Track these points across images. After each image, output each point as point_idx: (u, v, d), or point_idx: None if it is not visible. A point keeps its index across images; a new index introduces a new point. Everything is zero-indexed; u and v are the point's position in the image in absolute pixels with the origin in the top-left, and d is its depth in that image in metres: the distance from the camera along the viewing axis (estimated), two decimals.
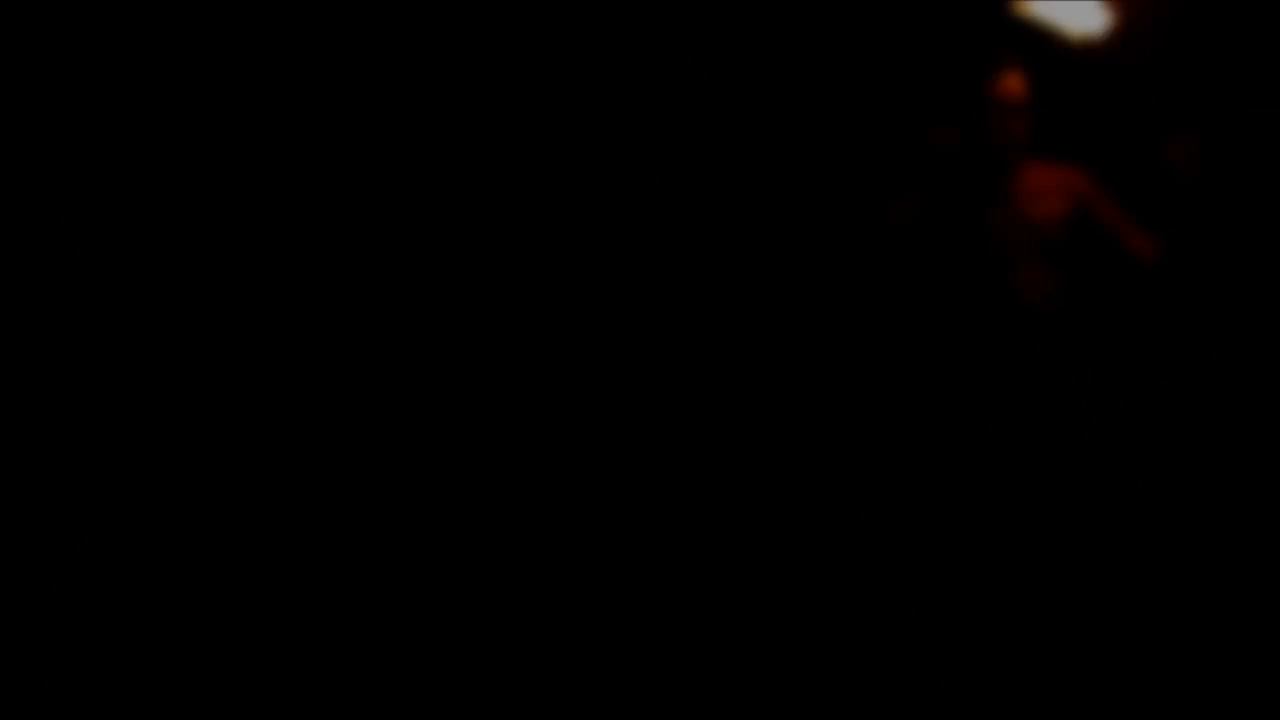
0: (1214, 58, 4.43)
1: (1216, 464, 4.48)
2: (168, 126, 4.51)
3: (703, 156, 4.69)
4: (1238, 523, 4.36)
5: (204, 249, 4.51)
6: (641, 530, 4.49)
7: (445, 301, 4.61)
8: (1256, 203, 4.48)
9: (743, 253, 4.69)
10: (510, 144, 4.66)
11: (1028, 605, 4.03)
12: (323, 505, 4.42)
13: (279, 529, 4.38)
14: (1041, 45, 4.38)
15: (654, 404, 4.63)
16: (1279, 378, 4.45)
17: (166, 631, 4.12)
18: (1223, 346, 4.53)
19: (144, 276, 4.48)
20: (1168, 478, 4.43)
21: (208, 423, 4.45)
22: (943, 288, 4.32)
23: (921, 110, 4.56)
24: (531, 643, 4.17)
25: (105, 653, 4.05)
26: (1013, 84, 4.22)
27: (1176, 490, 4.42)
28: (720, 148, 4.69)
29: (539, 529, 4.46)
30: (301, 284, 4.55)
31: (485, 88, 4.65)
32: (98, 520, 4.30)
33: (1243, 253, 4.44)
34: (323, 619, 4.21)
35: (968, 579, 4.12)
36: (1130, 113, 4.69)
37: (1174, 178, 4.35)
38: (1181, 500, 4.40)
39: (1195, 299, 4.38)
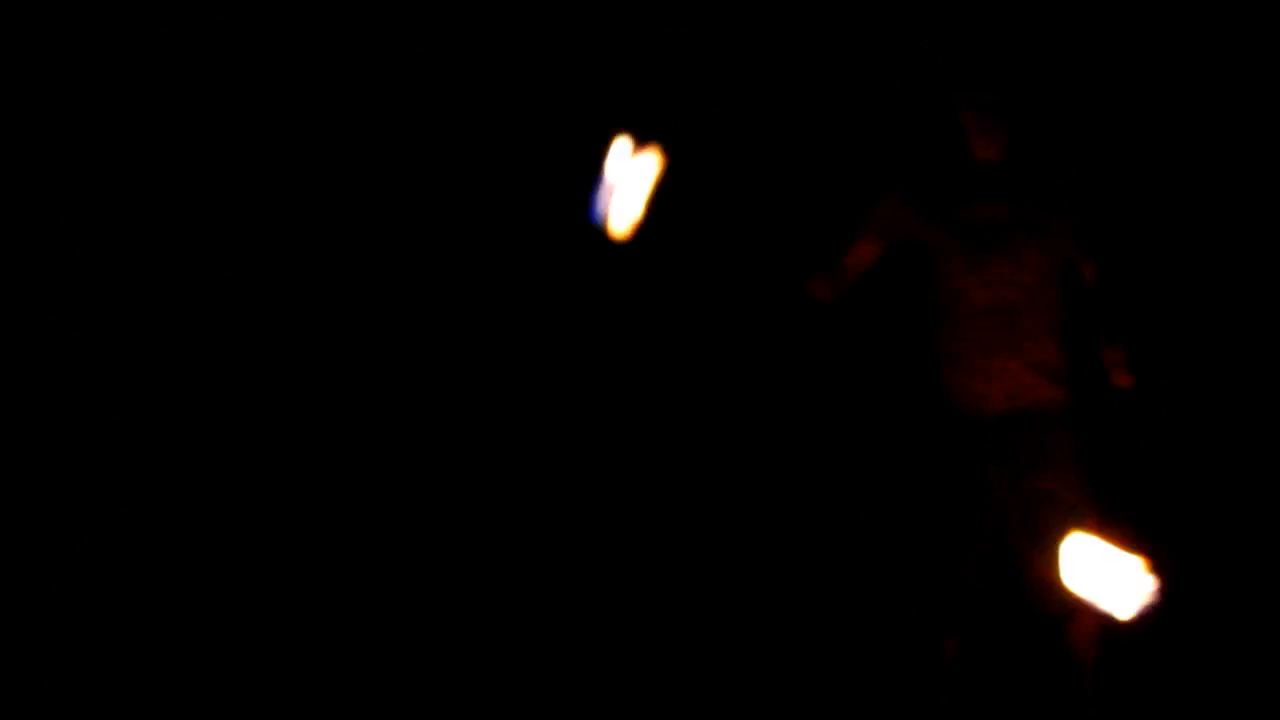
0: None
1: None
2: (168, 127, 4.51)
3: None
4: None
5: (204, 249, 4.51)
6: (637, 533, 4.51)
7: (444, 304, 4.62)
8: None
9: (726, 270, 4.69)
10: (506, 149, 4.67)
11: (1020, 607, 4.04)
12: (323, 506, 4.43)
13: (279, 529, 4.39)
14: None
15: (646, 408, 4.65)
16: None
17: (166, 631, 4.13)
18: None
19: (144, 276, 4.49)
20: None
21: (208, 423, 4.46)
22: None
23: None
24: (531, 643, 4.18)
25: (105, 653, 4.06)
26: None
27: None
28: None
29: (539, 530, 4.47)
30: (301, 285, 4.55)
31: (484, 90, 4.66)
32: (98, 520, 4.31)
33: None
34: (323, 619, 4.22)
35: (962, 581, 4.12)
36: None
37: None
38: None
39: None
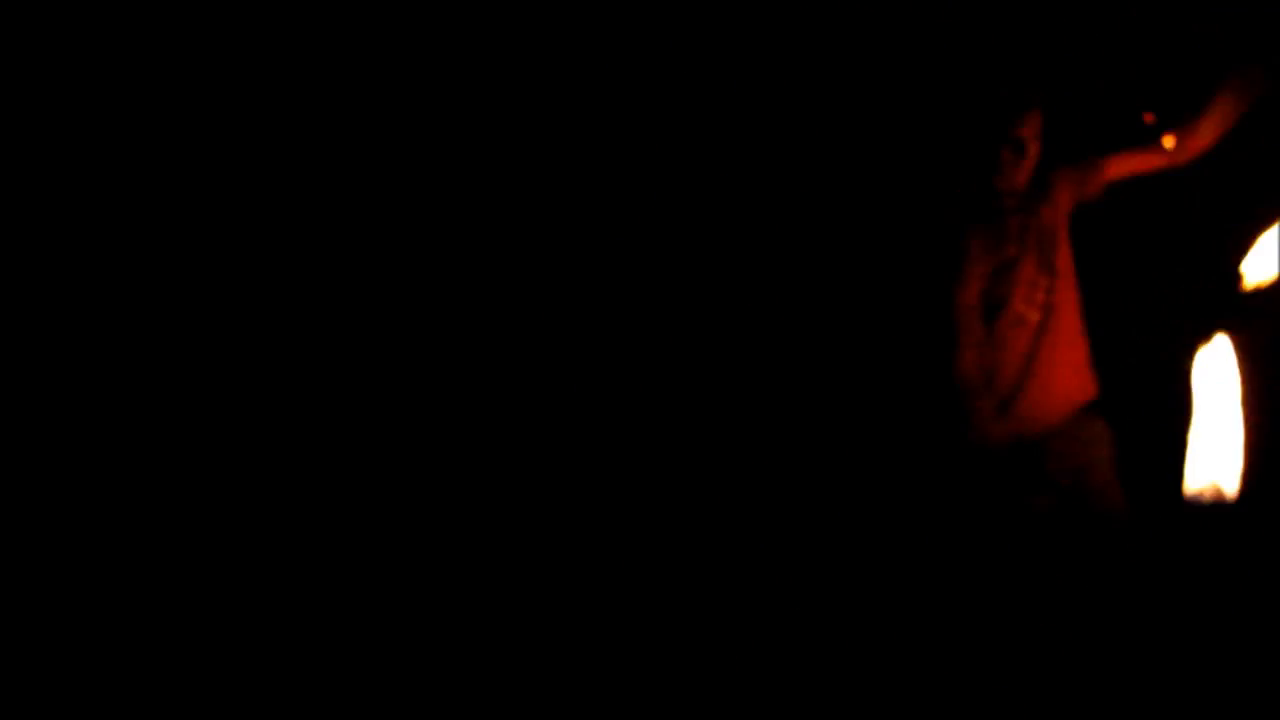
0: None
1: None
2: (168, 127, 4.52)
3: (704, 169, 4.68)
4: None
5: (204, 249, 4.52)
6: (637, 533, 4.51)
7: (444, 306, 4.62)
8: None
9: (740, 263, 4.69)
10: (508, 149, 4.67)
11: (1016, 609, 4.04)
12: (323, 507, 4.44)
13: (278, 531, 4.39)
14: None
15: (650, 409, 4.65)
16: None
17: (166, 632, 4.13)
18: None
19: (144, 276, 4.49)
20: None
21: (208, 424, 4.46)
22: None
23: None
24: (531, 643, 4.18)
25: (105, 653, 4.06)
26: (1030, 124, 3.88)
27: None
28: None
29: (538, 531, 4.47)
30: (301, 286, 4.56)
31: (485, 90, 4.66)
32: (98, 520, 4.31)
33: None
34: (322, 619, 4.22)
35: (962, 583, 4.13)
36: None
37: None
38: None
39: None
